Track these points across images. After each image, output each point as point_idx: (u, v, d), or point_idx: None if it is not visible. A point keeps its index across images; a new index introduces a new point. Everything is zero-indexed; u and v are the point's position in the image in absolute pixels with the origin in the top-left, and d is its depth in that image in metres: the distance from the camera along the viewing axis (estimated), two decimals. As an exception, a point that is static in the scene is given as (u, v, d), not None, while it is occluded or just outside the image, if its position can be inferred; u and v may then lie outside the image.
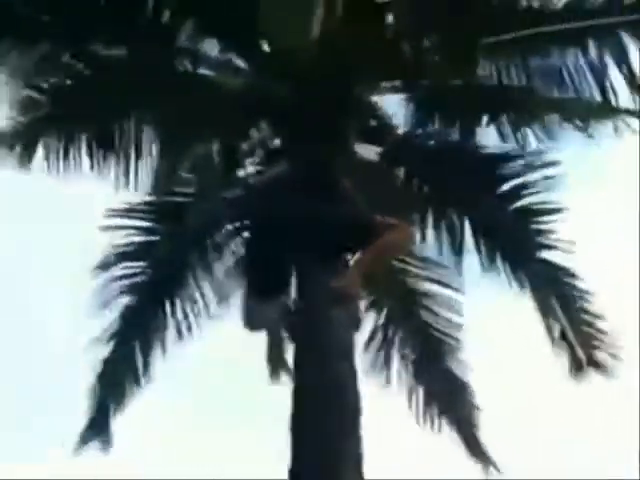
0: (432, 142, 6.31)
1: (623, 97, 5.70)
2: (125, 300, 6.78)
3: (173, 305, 6.76)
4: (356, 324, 4.34)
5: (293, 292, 4.78)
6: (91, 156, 6.57)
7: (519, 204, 6.62)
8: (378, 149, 6.22)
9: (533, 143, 6.33)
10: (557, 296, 6.93)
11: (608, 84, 5.72)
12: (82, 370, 6.74)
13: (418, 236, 6.38)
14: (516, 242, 6.81)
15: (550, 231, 6.73)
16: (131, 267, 6.79)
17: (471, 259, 6.53)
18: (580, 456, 9.06)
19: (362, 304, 6.16)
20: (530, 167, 6.44)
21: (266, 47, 5.88)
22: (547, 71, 5.81)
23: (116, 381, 6.79)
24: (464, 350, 6.88)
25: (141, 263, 6.77)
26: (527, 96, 6.19)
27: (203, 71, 6.23)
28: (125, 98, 6.32)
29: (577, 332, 7.01)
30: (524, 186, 6.58)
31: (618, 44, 5.61)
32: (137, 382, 6.76)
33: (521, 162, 6.45)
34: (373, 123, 6.00)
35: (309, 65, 5.58)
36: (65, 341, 7.61)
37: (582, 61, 5.74)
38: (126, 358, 6.78)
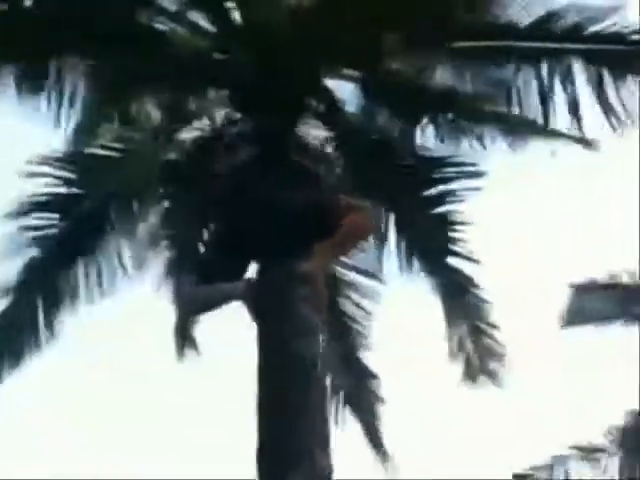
0: (374, 134, 6.40)
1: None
2: (33, 252, 6.46)
3: (86, 263, 6.50)
4: (320, 305, 4.27)
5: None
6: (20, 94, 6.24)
7: (440, 210, 6.84)
8: (325, 133, 6.28)
9: (467, 150, 6.54)
10: (460, 304, 7.23)
11: (552, 107, 6.01)
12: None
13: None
14: (430, 246, 7.04)
15: (462, 240, 7.01)
16: (45, 218, 6.48)
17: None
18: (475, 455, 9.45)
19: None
20: (459, 175, 6.68)
21: (235, 14, 5.80)
22: (499, 83, 6.03)
23: (12, 336, 6.44)
24: (376, 342, 7.02)
25: (56, 215, 6.48)
26: (469, 103, 6.41)
27: (162, 25, 6.06)
28: (65, 36, 6.03)
29: (474, 341, 7.34)
30: (448, 193, 6.81)
31: (568, 70, 5.94)
32: (36, 339, 6.43)
33: (451, 169, 6.68)
34: (324, 106, 6.02)
35: (273, 39, 5.56)
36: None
37: (533, 80, 6.01)
38: (27, 313, 6.45)
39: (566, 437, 11.17)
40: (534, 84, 6.02)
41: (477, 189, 6.70)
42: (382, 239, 6.70)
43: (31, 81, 6.29)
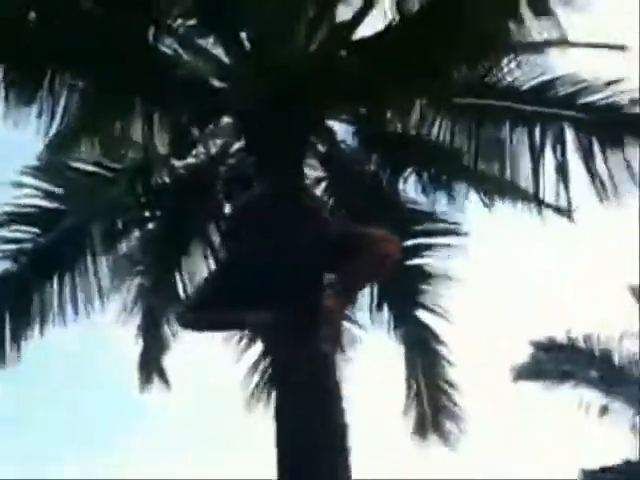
0: (366, 180, 6.48)
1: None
2: (7, 265, 6.27)
3: (61, 282, 6.33)
4: (337, 342, 4.30)
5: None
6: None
7: (415, 262, 6.93)
8: (319, 173, 6.34)
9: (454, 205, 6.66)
10: (421, 358, 7.29)
11: (542, 169, 6.22)
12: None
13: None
14: (400, 297, 7.11)
15: (433, 294, 7.11)
16: (24, 231, 6.31)
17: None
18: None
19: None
20: (440, 231, 6.80)
21: (247, 45, 5.85)
22: (493, 142, 6.22)
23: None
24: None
25: (35, 229, 6.32)
26: (454, 159, 6.55)
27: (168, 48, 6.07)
28: (66, 50, 5.97)
29: (430, 397, 7.38)
30: (426, 247, 6.92)
31: (559, 136, 6.17)
32: (2, 355, 6.19)
33: (433, 224, 6.79)
34: (326, 146, 6.09)
35: (283, 75, 5.64)
36: None
37: (525, 143, 6.22)
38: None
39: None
40: (526, 145, 6.19)
41: (456, 246, 6.83)
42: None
43: (23, 91, 6.18)
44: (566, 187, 6.13)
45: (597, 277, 12.33)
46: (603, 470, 11.06)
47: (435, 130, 6.29)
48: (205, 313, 4.42)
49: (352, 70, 5.66)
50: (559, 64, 6.03)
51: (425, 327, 7.18)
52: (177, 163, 6.29)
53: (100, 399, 11.60)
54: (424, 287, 7.13)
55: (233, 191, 5.29)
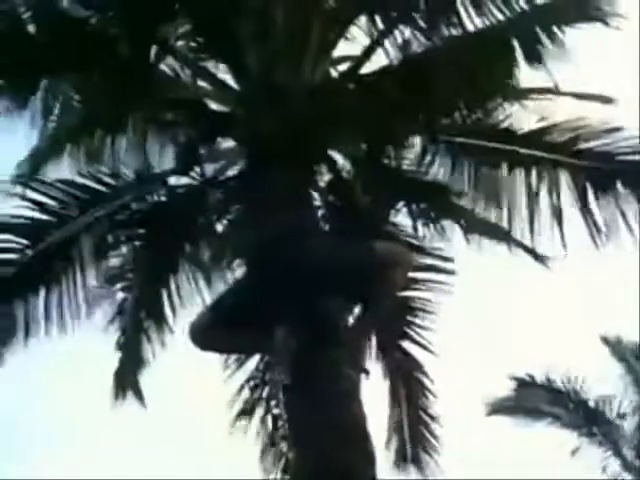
0: (362, 211, 6.46)
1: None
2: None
3: (47, 295, 6.24)
4: (360, 367, 4.31)
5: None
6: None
7: (405, 293, 6.95)
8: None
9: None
10: (404, 389, 7.30)
11: (537, 213, 6.27)
12: None
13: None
14: (388, 327, 7.12)
15: (420, 326, 7.13)
16: (11, 241, 6.23)
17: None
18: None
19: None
20: (430, 266, 6.83)
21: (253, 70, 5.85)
22: (490, 183, 6.26)
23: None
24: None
25: (23, 240, 6.24)
26: (445, 199, 6.59)
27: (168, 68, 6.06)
28: (63, 61, 5.93)
29: (411, 428, 7.39)
30: (415, 280, 6.94)
31: (555, 180, 6.23)
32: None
33: (425, 258, 6.81)
34: (332, 176, 6.10)
35: (290, 104, 5.65)
36: None
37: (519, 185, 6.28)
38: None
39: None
40: (523, 189, 6.24)
41: (444, 282, 6.87)
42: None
43: (15, 98, 6.15)
44: (560, 231, 6.17)
45: (579, 321, 12.53)
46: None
47: (435, 168, 6.32)
48: (225, 334, 4.42)
49: (355, 104, 5.70)
50: (558, 109, 6.07)
51: (409, 357, 7.20)
52: (173, 181, 6.25)
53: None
54: (410, 319, 7.15)
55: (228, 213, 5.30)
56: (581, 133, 6.16)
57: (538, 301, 12.49)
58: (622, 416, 11.66)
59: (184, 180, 6.19)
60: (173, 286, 6.63)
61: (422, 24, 5.78)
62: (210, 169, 6.14)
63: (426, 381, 7.26)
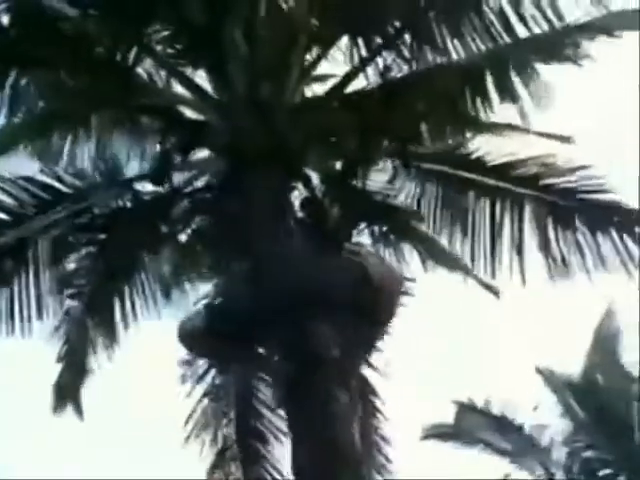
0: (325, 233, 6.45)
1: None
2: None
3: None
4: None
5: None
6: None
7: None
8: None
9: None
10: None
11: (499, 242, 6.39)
12: None
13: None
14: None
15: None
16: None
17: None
18: None
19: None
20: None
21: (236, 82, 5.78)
22: (458, 210, 6.36)
23: None
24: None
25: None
26: (405, 222, 6.66)
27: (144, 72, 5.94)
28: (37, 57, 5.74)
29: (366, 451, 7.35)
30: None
31: (519, 212, 6.36)
32: None
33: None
34: (308, 193, 6.06)
35: (272, 119, 5.63)
36: None
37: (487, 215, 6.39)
38: None
39: None
40: (487, 218, 6.36)
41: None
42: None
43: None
44: (520, 262, 6.30)
45: (529, 350, 12.83)
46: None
47: (405, 192, 6.38)
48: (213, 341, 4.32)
49: (333, 123, 5.72)
50: (528, 144, 6.22)
51: (365, 382, 7.18)
52: (139, 188, 6.10)
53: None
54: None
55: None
56: (545, 170, 6.31)
57: (491, 328, 12.71)
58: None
59: (150, 187, 6.04)
60: (127, 296, 6.45)
61: (405, 53, 5.84)
62: (179, 178, 6.02)
63: (379, 404, 7.25)
